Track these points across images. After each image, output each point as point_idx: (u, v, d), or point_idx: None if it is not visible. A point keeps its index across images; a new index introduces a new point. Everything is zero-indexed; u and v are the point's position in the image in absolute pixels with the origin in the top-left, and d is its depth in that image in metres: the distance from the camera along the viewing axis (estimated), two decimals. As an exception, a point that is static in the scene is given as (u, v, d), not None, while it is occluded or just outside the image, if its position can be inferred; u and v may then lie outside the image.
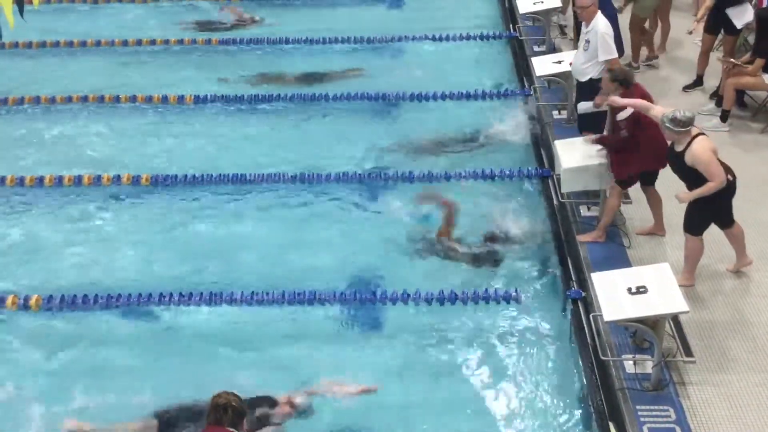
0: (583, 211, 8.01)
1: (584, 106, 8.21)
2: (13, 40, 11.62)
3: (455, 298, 7.28)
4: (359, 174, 9.26)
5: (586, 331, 6.64)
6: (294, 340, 7.04)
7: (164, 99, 10.79)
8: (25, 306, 7.32)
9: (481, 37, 12.39)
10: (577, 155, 7.68)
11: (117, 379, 6.66)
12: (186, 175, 9.18)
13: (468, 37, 12.36)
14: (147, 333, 7.16)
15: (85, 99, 10.84)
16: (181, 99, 10.80)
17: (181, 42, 12.39)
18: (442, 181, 9.06)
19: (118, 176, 9.16)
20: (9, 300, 7.34)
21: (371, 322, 7.25)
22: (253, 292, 7.41)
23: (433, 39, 12.38)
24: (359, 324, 7.24)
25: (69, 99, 10.83)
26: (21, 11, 8.72)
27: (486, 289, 7.35)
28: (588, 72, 8.36)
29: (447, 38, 12.33)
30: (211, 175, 9.14)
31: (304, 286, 7.45)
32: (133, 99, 10.79)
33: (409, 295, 7.32)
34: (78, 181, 9.11)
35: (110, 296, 7.37)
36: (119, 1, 13.96)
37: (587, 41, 8.31)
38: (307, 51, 12.26)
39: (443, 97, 10.74)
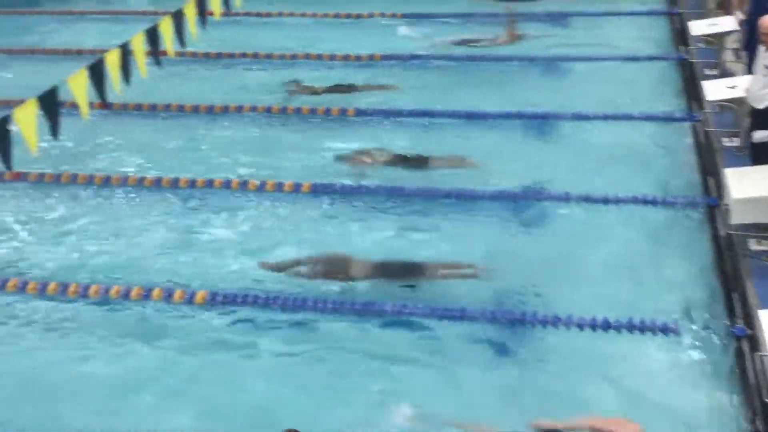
0: (753, 244, 7.59)
1: (761, 135, 7.80)
2: (194, 50, 12.33)
3: (609, 325, 7.08)
4: (516, 192, 9.21)
5: (750, 371, 6.28)
6: (434, 356, 7.03)
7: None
8: (191, 300, 7.73)
9: (649, 58, 12.04)
10: (749, 185, 7.30)
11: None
12: (342, 186, 9.44)
13: (634, 58, 12.03)
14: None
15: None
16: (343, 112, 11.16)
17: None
18: (600, 203, 8.86)
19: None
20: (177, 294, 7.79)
21: (516, 345, 7.16)
22: (404, 304, 7.51)
23: (598, 59, 12.16)
24: (504, 345, 7.16)
25: (239, 108, 11.34)
26: (203, 22, 9.37)
27: (642, 319, 7.10)
28: (766, 99, 7.93)
29: (612, 58, 12.06)
30: (399, 187, 9.30)
31: (452, 302, 7.47)
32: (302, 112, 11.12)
33: (559, 319, 7.18)
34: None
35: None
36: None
37: (766, 66, 7.90)
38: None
39: (606, 117, 10.49)
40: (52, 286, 7.76)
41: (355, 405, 6.45)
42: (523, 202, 9.07)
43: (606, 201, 8.86)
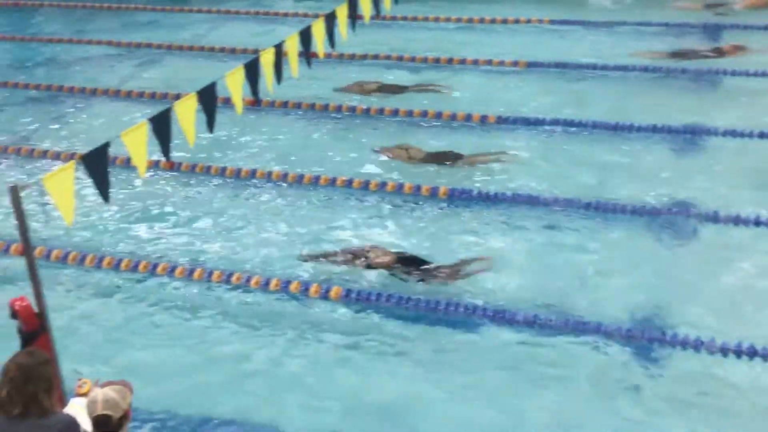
0: None
1: None
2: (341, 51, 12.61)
3: (755, 352, 6.74)
4: (658, 207, 8.91)
5: None
6: (561, 369, 6.89)
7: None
8: (326, 295, 7.92)
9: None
10: None
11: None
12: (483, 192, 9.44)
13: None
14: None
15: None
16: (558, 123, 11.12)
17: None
18: (751, 226, 8.46)
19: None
20: (312, 288, 8.00)
21: (653, 365, 6.92)
22: (535, 315, 7.42)
23: (755, 74, 11.62)
24: (640, 364, 6.94)
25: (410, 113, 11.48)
26: (353, 25, 9.58)
27: (791, 350, 6.72)
28: None
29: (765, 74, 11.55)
30: (535, 196, 9.25)
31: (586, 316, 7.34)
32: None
33: (702, 342, 6.89)
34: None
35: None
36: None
37: None
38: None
39: (762, 135, 10.01)
40: (197, 272, 8.19)
41: (490, 410, 6.44)
42: (667, 217, 8.77)
43: (757, 223, 8.46)
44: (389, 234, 8.84)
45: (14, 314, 5.22)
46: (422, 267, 8.14)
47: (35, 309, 5.27)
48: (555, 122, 10.93)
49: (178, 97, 11.58)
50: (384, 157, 10.26)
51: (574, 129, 10.79)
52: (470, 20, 14.91)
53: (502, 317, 7.40)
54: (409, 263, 8.17)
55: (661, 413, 6.33)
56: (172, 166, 10.02)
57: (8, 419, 4.06)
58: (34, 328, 5.22)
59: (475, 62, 13.04)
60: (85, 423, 4.29)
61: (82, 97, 12.62)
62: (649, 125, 10.53)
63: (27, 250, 5.24)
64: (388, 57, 13.41)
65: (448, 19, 15.00)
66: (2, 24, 16.23)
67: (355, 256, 8.31)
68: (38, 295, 5.30)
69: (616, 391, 6.59)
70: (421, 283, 7.98)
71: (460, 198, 9.36)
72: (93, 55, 14.42)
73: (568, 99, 11.72)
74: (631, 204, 8.95)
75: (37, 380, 4.07)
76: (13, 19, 16.72)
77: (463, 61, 13.08)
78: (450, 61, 13.13)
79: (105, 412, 4.02)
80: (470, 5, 15.55)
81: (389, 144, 10.49)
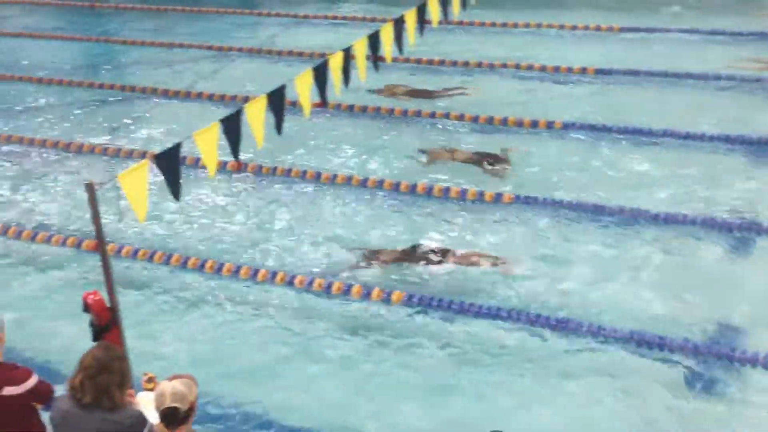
0: None
1: None
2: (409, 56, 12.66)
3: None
4: (731, 220, 8.72)
5: None
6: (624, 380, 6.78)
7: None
8: (388, 299, 7.94)
9: None
10: None
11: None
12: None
13: None
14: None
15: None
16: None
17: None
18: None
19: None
20: (373, 292, 8.05)
21: (722, 382, 6.76)
22: (599, 326, 7.31)
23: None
24: (708, 381, 6.78)
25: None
26: (421, 30, 9.60)
27: None
28: None
29: None
30: (601, 206, 9.09)
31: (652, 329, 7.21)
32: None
33: (774, 359, 6.71)
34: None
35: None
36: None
37: None
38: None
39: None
40: (262, 272, 8.30)
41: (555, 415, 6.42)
42: (739, 233, 8.55)
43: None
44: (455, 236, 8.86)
45: (87, 308, 5.37)
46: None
47: (107, 303, 5.42)
48: (623, 131, 10.78)
49: (247, 99, 11.80)
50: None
51: (644, 138, 10.63)
52: (539, 25, 14.82)
53: (565, 326, 7.33)
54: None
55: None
56: (240, 167, 10.19)
57: (80, 406, 4.20)
58: (106, 322, 5.37)
59: (543, 68, 12.95)
60: (152, 417, 4.40)
61: (154, 98, 12.94)
62: (722, 135, 10.30)
63: (101, 245, 5.39)
64: (453, 62, 13.41)
65: (516, 25, 14.93)
66: (79, 25, 16.75)
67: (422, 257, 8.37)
68: (110, 290, 5.45)
69: (687, 408, 6.46)
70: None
71: (525, 203, 9.32)
72: (166, 57, 14.76)
73: (637, 106, 11.54)
74: (701, 216, 8.77)
75: (110, 373, 4.19)
76: (89, 20, 17.24)
77: (530, 67, 12.99)
78: (518, 66, 13.06)
79: (173, 405, 4.11)
80: (541, 11, 15.48)
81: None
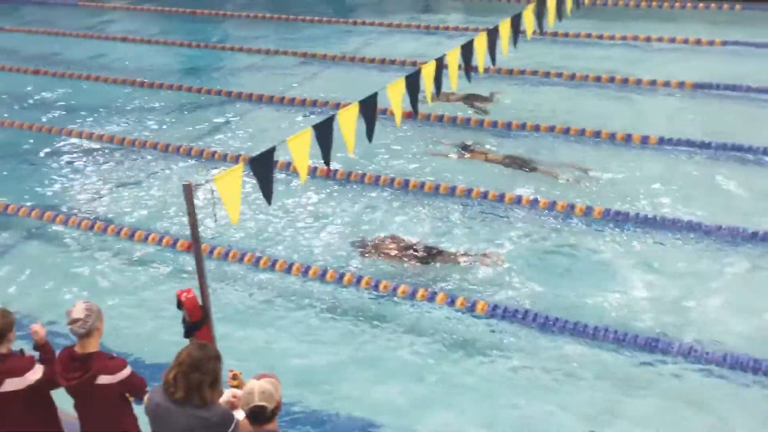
0: None
1: None
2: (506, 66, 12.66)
3: None
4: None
5: None
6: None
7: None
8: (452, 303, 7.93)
9: None
10: None
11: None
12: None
13: None
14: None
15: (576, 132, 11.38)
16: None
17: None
18: None
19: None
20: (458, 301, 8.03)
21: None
22: (691, 346, 7.12)
23: None
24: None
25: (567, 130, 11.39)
26: (515, 40, 9.53)
27: None
28: None
29: None
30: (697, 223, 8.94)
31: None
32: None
33: None
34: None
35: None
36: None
37: None
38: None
39: None
40: (347, 276, 8.41)
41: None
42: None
43: None
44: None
45: (180, 305, 5.53)
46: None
47: (200, 301, 5.57)
48: (722, 147, 10.47)
49: (338, 106, 12.01)
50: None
51: (740, 154, 10.33)
52: (635, 38, 14.51)
53: (654, 345, 7.17)
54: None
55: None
56: (329, 173, 10.33)
57: (172, 400, 4.33)
58: (198, 319, 5.51)
59: (638, 82, 12.68)
60: (237, 412, 4.51)
61: (249, 103, 13.24)
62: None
63: (195, 245, 5.55)
64: (546, 73, 13.28)
65: (612, 37, 14.66)
66: (180, 31, 17.29)
67: None
68: (203, 289, 5.60)
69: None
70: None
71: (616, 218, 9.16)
72: (261, 63, 15.10)
73: (735, 122, 11.18)
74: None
75: (203, 372, 4.30)
76: (190, 26, 17.78)
77: (625, 81, 12.74)
78: (611, 80, 12.83)
79: (261, 403, 4.19)
80: (637, 24, 15.19)
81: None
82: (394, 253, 8.81)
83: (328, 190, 10.34)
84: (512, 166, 10.45)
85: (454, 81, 8.48)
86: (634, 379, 6.92)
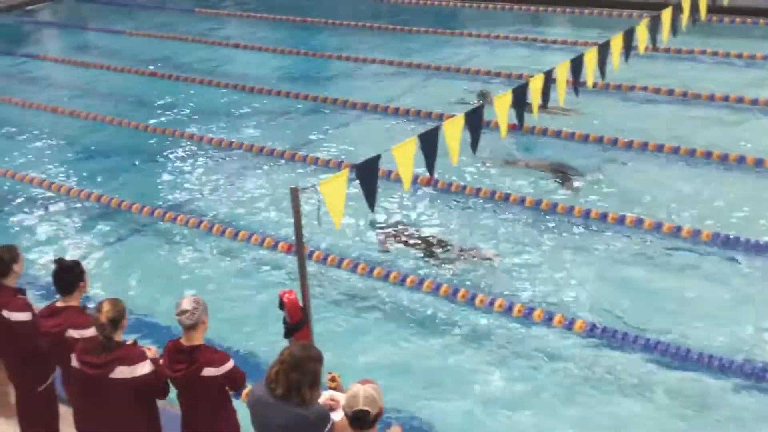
0: None
1: None
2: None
3: None
4: None
5: None
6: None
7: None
8: (570, 327, 7.79)
9: None
10: None
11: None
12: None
13: None
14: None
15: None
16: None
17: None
18: None
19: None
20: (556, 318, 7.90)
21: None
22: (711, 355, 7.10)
23: None
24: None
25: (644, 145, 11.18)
26: (627, 56, 9.34)
27: None
28: None
29: None
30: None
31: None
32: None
33: None
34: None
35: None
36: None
37: None
38: None
39: None
40: (443, 287, 8.41)
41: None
42: None
43: None
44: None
45: (282, 305, 5.66)
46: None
47: (300, 303, 5.68)
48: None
49: (441, 117, 12.05)
50: None
51: None
52: (751, 57, 13.98)
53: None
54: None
55: None
56: (430, 183, 10.35)
57: (273, 396, 4.43)
58: (298, 320, 5.63)
59: (754, 101, 12.22)
60: (334, 414, 4.57)
61: (353, 110, 13.41)
62: None
63: (299, 248, 5.67)
64: (656, 90, 12.94)
65: (727, 54, 14.18)
66: (290, 38, 17.68)
67: None
68: (304, 291, 5.72)
69: None
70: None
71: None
72: (369, 71, 15.28)
73: None
74: None
75: (303, 372, 4.38)
76: (300, 34, 18.15)
77: (740, 100, 12.28)
78: (726, 98, 12.39)
79: (364, 408, 4.23)
80: (756, 43, 14.61)
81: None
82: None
83: (429, 200, 10.36)
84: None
85: (561, 95, 8.38)
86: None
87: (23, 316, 5.78)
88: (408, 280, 8.56)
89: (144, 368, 5.06)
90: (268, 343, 7.31)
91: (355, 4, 20.39)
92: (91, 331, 5.26)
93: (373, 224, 9.72)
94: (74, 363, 5.12)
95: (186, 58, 16.82)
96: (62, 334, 5.47)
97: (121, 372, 5.01)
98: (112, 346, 5.03)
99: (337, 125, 13.00)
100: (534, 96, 7.91)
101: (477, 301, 8.15)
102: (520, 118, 7.84)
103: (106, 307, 5.02)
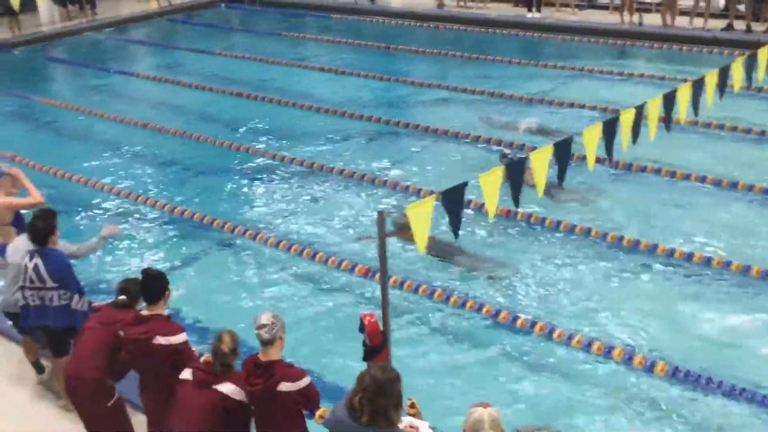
0: None
1: None
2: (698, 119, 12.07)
3: None
4: None
5: None
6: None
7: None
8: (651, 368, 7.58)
9: None
10: None
11: None
12: None
13: None
14: None
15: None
16: None
17: None
18: None
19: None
20: (636, 359, 7.68)
21: None
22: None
23: None
24: None
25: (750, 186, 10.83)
26: (721, 93, 9.09)
27: None
28: None
29: None
30: None
31: None
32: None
33: None
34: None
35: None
36: None
37: None
38: None
39: None
40: (520, 320, 8.29)
41: None
42: None
43: None
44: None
45: (362, 328, 5.65)
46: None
47: (381, 327, 5.66)
48: None
49: (522, 147, 11.97)
50: None
51: None
52: None
53: None
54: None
55: None
56: (509, 214, 10.25)
57: (357, 424, 4.39)
58: (378, 344, 5.61)
59: None
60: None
61: (437, 137, 13.41)
62: None
63: (383, 271, 5.65)
64: (747, 130, 12.59)
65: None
66: (373, 64, 17.85)
67: None
68: (385, 315, 5.69)
69: None
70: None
71: None
72: (448, 98, 15.28)
73: None
74: None
75: (388, 395, 4.34)
76: (381, 60, 18.34)
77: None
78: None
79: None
80: None
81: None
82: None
83: (511, 229, 10.24)
84: None
85: (653, 130, 8.20)
86: None
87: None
88: (484, 309, 8.48)
89: (180, 338, 5.71)
90: (343, 366, 7.33)
91: (437, 33, 20.49)
92: (180, 338, 5.66)
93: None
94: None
95: (271, 79, 17.16)
96: (149, 341, 5.59)
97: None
98: (226, 372, 5.36)
99: (421, 151, 13.02)
100: (624, 130, 7.77)
101: (555, 335, 8.03)
102: (609, 150, 7.69)
103: (227, 338, 5.37)
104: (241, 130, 14.37)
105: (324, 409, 6.54)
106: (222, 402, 5.24)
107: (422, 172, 12.08)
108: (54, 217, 6.79)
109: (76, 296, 6.68)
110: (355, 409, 4.37)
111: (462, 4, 22.25)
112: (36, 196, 7.83)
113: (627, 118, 7.73)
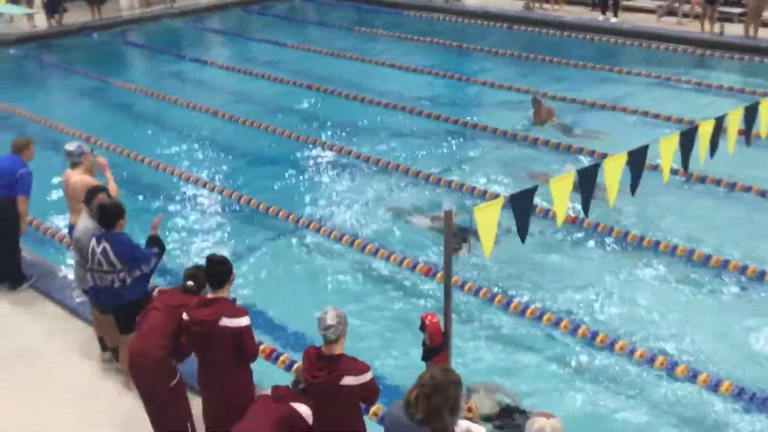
0: None
1: None
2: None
3: None
4: None
5: None
6: None
7: None
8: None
9: None
10: None
11: None
12: None
13: None
14: None
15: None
16: None
17: None
18: None
19: None
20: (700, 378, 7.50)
21: None
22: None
23: None
24: None
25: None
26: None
27: None
28: None
29: None
30: None
31: None
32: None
33: None
34: None
35: None
36: None
37: None
38: None
39: None
40: (582, 330, 8.15)
41: None
42: None
43: None
44: None
45: (423, 327, 5.61)
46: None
47: (442, 327, 5.61)
48: None
49: (593, 154, 11.76)
50: None
51: None
52: None
53: None
54: None
55: None
56: (575, 221, 10.07)
57: (411, 419, 4.34)
58: (438, 344, 5.56)
59: None
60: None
61: (501, 139, 13.27)
62: None
63: (447, 271, 5.60)
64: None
65: None
66: (444, 62, 17.76)
67: None
68: (447, 316, 5.64)
69: None
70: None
71: None
72: (520, 100, 15.07)
73: None
74: None
75: (444, 396, 4.28)
76: (454, 59, 18.23)
77: None
78: None
79: None
80: None
81: None
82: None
83: (573, 237, 10.08)
84: None
85: (731, 143, 7.95)
86: None
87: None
88: (544, 318, 8.36)
89: (244, 321, 5.75)
90: (400, 366, 7.30)
91: (510, 34, 20.28)
92: (243, 320, 5.73)
93: None
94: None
95: (342, 73, 17.21)
96: (215, 322, 5.66)
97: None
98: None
99: (485, 152, 12.91)
100: (702, 141, 7.53)
101: (617, 347, 7.87)
102: (686, 162, 7.48)
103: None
104: (309, 122, 14.46)
105: (378, 406, 6.53)
106: (293, 418, 5.24)
107: (487, 174, 11.94)
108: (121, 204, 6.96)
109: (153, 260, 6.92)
110: (411, 405, 4.33)
111: (537, 6, 21.98)
112: (113, 186, 7.99)
113: (705, 130, 7.50)
